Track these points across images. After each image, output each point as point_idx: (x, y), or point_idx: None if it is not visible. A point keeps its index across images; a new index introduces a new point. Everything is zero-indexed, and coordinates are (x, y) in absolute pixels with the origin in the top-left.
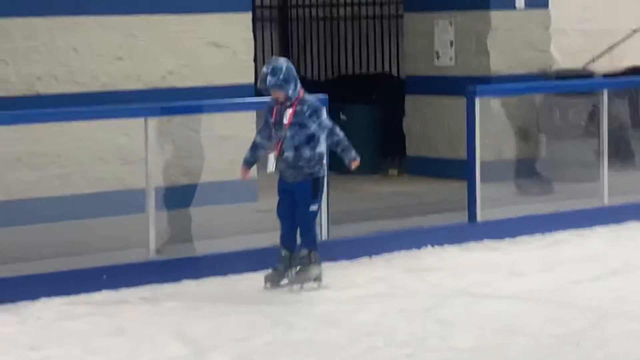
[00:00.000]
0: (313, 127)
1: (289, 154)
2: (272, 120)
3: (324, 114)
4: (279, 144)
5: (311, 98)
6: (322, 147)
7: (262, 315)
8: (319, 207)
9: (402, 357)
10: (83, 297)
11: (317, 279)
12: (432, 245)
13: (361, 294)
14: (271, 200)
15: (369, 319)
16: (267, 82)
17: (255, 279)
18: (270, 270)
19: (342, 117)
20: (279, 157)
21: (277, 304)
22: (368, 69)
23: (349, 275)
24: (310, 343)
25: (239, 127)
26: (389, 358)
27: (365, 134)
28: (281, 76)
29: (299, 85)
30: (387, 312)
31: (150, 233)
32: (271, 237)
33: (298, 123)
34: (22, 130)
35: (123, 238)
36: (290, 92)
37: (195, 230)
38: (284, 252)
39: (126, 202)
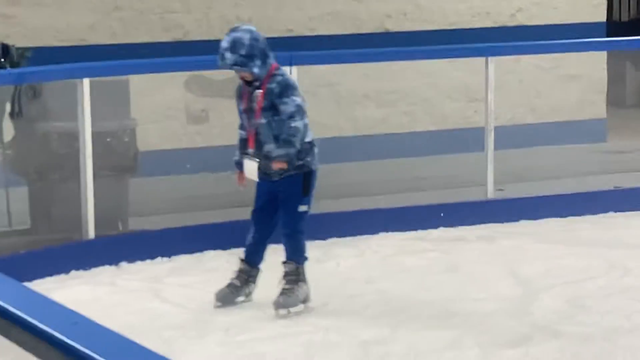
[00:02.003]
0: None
1: (269, 146)
2: (244, 106)
3: (296, 94)
4: (254, 136)
5: (283, 73)
6: (309, 133)
7: (599, 259)
8: (309, 208)
9: None
10: (420, 233)
11: (306, 300)
12: None
13: None
14: (621, 142)
15: None
16: (226, 59)
17: (591, 222)
18: (224, 287)
19: None
20: (258, 153)
21: (617, 247)
22: None
23: None
24: None
25: (589, 67)
26: None
27: None
28: (242, 51)
29: (269, 59)
30: None
31: (488, 172)
32: (618, 179)
33: (270, 106)
34: (371, 67)
35: (463, 176)
36: (256, 70)
37: (538, 170)
38: (243, 266)
39: (469, 140)
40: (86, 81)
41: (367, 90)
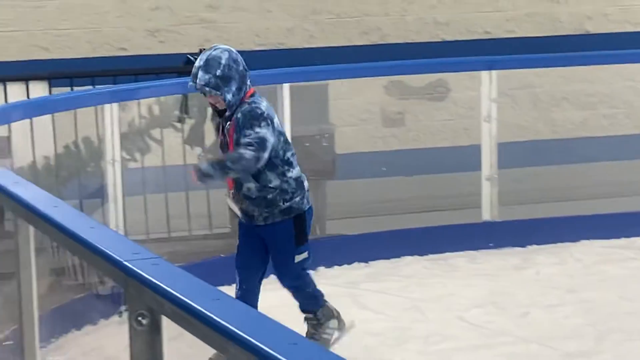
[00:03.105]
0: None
1: (248, 185)
2: (219, 140)
3: (262, 124)
4: None
5: (253, 101)
6: (296, 168)
7: None
8: (309, 254)
9: None
10: (624, 242)
11: (341, 331)
12: None
13: None
14: None
15: None
16: (197, 79)
17: None
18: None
19: None
20: (237, 193)
21: None
22: None
23: None
24: None
25: None
26: None
27: None
28: (217, 72)
29: (246, 86)
30: None
31: None
32: None
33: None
34: (569, 69)
35: None
36: (230, 96)
37: None
38: None
39: None
40: (286, 86)
41: (566, 92)
